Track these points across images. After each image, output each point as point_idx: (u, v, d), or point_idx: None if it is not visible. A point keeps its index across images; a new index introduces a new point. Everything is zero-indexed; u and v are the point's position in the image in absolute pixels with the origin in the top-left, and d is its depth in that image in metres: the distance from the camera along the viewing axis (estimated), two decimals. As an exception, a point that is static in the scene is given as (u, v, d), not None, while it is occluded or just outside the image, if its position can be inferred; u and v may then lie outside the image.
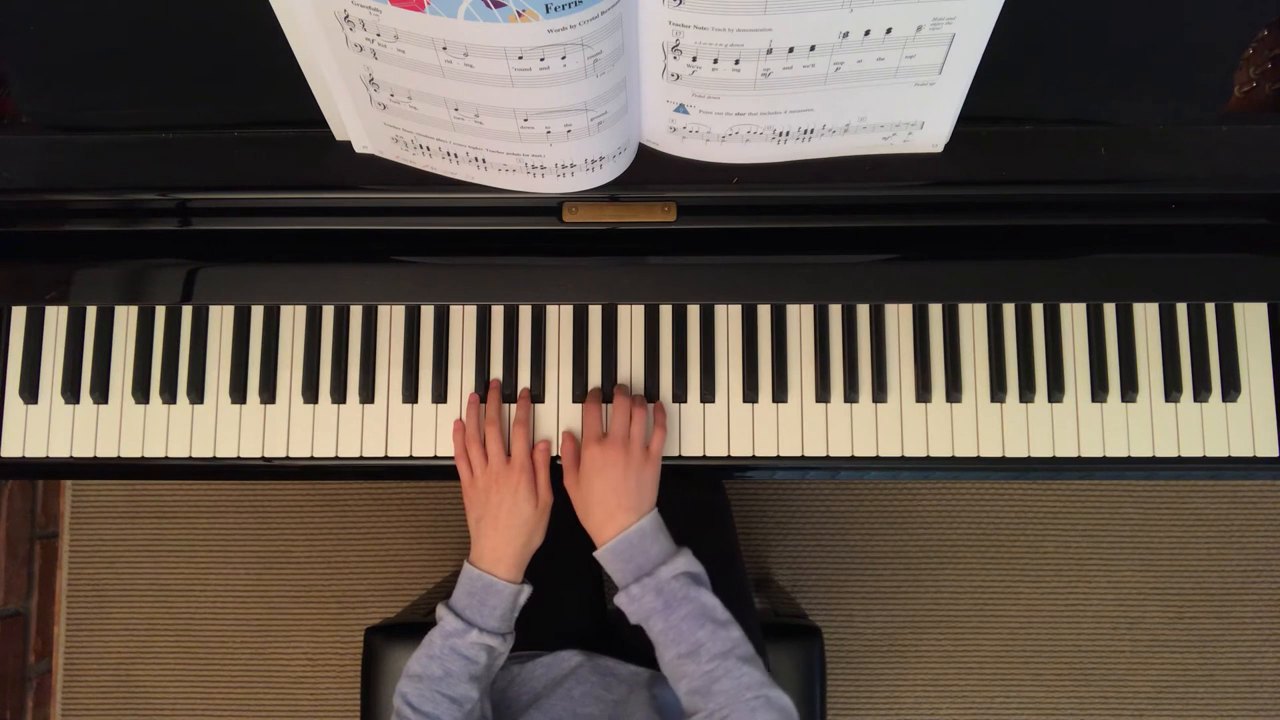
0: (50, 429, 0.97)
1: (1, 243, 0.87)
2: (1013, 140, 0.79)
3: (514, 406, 0.95)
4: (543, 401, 0.96)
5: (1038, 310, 0.96)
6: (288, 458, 0.96)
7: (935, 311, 0.96)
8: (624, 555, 0.84)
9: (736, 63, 0.66)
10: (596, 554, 0.86)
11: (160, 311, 0.97)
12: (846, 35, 0.64)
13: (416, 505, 1.70)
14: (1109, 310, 0.95)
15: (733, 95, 0.70)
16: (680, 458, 0.95)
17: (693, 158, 0.79)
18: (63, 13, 0.74)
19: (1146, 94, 0.77)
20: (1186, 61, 0.75)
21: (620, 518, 0.85)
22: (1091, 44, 0.74)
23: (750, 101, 0.70)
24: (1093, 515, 1.67)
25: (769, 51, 0.65)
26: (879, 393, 0.95)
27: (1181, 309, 0.95)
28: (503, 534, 0.88)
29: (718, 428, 0.95)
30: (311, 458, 0.96)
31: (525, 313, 0.97)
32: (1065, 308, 0.96)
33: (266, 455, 0.96)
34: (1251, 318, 0.95)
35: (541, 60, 0.62)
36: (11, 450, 0.97)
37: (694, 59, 0.66)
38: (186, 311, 0.97)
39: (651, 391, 0.95)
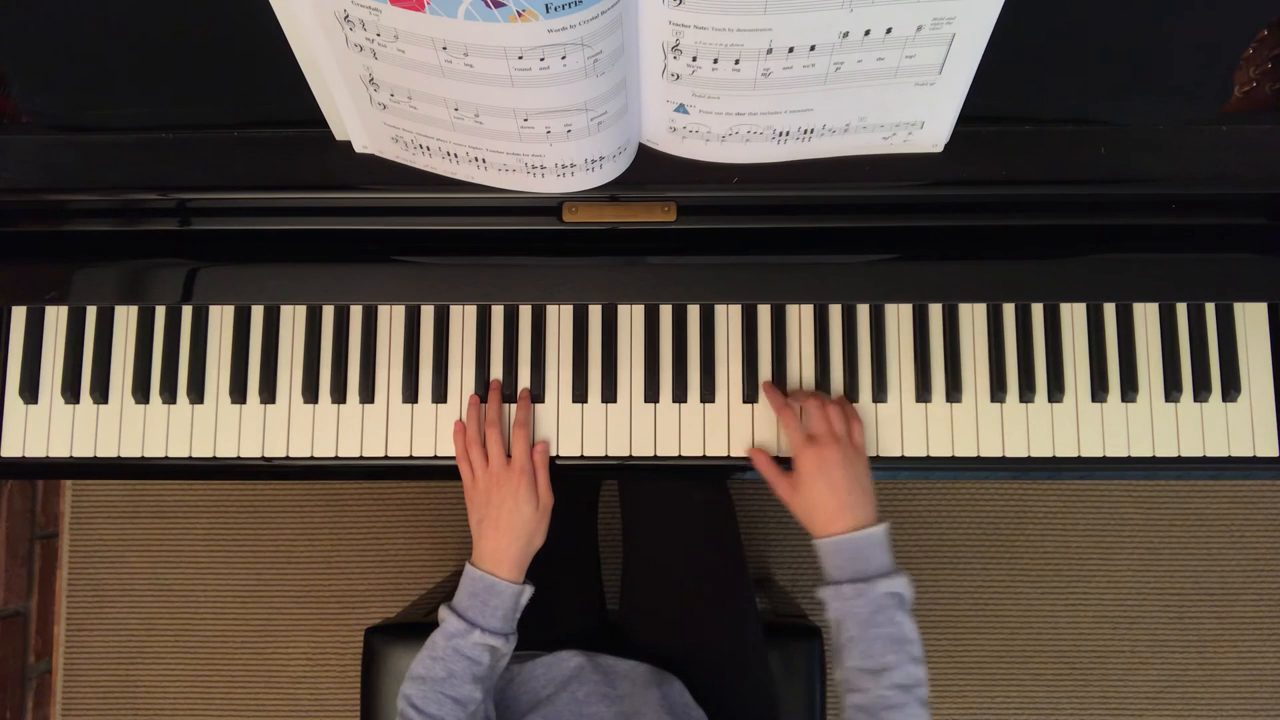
0: (50, 429, 0.97)
1: (1, 243, 0.87)
2: (1013, 140, 0.79)
3: (514, 407, 0.95)
4: (543, 401, 0.96)
5: (1038, 310, 0.96)
6: (288, 458, 0.96)
7: (935, 311, 0.96)
8: (849, 554, 0.83)
9: (736, 63, 0.66)
10: (818, 543, 0.85)
11: (160, 311, 0.97)
12: (846, 35, 0.64)
13: (416, 505, 1.70)
14: (1109, 310, 0.95)
15: (733, 95, 0.70)
16: (680, 458, 0.95)
17: (693, 158, 0.79)
18: (63, 13, 0.74)
19: (1146, 94, 0.77)
20: (1186, 61, 0.75)
21: (847, 515, 0.84)
22: (1091, 44, 0.74)
23: (750, 101, 0.70)
24: (1093, 515, 1.67)
25: (769, 51, 0.65)
26: (879, 393, 0.95)
27: (1181, 309, 0.95)
28: (504, 535, 0.88)
29: (718, 427, 0.95)
30: (311, 458, 0.96)
31: (525, 313, 0.97)
32: (1065, 308, 0.96)
33: (266, 455, 0.96)
34: (1251, 318, 0.95)
35: (541, 60, 0.62)
36: (11, 450, 0.97)
37: (694, 59, 0.66)
38: (186, 311, 0.97)
39: (651, 392, 0.95)
